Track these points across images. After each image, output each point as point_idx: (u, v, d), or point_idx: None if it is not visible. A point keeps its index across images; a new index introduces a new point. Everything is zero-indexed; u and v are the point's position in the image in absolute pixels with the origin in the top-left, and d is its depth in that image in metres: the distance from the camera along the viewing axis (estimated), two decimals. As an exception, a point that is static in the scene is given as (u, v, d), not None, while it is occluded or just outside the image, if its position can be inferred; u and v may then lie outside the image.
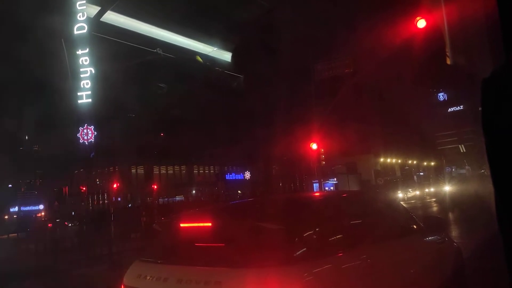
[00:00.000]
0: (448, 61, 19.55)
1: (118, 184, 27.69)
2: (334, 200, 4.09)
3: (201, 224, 3.40)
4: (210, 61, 46.21)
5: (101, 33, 36.59)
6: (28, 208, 35.87)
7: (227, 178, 49.77)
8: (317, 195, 6.61)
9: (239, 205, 4.49)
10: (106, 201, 35.40)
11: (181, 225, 3.58)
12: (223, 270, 2.71)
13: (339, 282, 2.68)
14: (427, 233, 4.04)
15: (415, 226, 4.06)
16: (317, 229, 3.01)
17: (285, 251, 2.66)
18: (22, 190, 45.32)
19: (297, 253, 2.69)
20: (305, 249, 2.74)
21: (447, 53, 19.01)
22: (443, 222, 4.33)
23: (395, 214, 4.19)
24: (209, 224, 3.29)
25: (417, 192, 41.35)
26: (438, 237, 4.19)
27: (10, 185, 45.14)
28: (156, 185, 35.94)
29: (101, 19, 38.14)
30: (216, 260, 2.81)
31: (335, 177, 42.68)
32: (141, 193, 38.83)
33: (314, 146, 19.84)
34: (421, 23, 12.88)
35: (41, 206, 34.69)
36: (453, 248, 4.44)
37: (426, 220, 4.42)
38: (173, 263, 3.12)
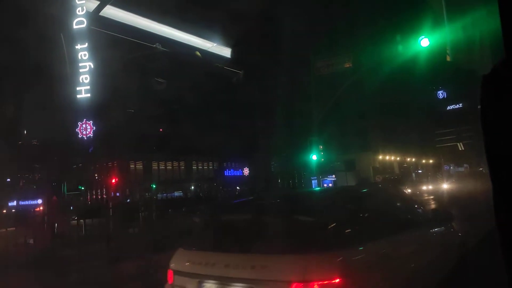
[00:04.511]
0: (448, 58, 19.53)
1: (117, 179, 27.67)
2: (359, 195, 4.53)
3: (243, 216, 3.92)
4: (210, 57, 46.10)
5: (100, 27, 36.44)
6: (26, 202, 35.87)
7: (226, 174, 49.80)
8: (342, 190, 7.26)
9: (276, 198, 4.95)
10: (105, 196, 35.42)
11: (223, 217, 4.14)
12: (268, 256, 3.03)
13: (370, 266, 3.03)
14: (438, 224, 4.51)
15: (428, 218, 4.52)
16: (348, 220, 3.39)
17: (322, 240, 3.04)
18: (21, 184, 45.26)
19: (332, 241, 3.05)
20: (339, 238, 3.11)
21: (447, 51, 19.01)
22: (451, 215, 4.72)
23: (411, 208, 4.68)
24: (251, 216, 3.80)
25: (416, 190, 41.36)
26: (447, 228, 4.67)
27: (8, 180, 45.11)
28: (155, 181, 35.98)
29: (100, 14, 37.96)
30: (260, 248, 3.13)
31: (334, 174, 42.70)
32: (139, 189, 38.85)
33: (315, 155, 19.94)
34: (425, 42, 12.96)
35: (40, 201, 34.68)
36: (458, 238, 4.93)
37: (437, 212, 5.07)
38: (219, 251, 3.44)
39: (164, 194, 38.62)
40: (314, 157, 20.92)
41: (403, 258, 3.42)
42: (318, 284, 2.66)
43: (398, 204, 4.60)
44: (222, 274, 3.12)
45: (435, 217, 4.55)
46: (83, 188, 35.66)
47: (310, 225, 3.27)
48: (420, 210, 4.72)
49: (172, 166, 46.66)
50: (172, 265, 3.60)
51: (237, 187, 45.68)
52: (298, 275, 2.73)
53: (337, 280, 2.67)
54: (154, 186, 36.09)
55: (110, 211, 12.48)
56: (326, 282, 2.67)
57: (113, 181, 17.94)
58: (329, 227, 3.23)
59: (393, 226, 3.67)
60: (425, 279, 3.49)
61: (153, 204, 19.62)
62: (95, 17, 37.16)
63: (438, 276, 3.85)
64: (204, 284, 3.24)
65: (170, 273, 3.58)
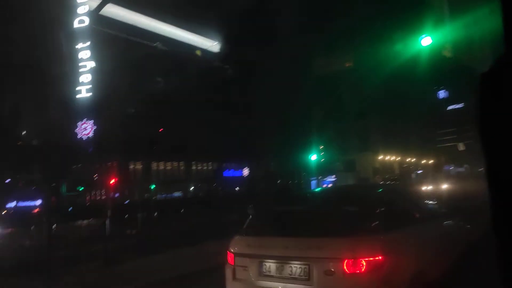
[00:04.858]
0: (447, 54, 19.43)
1: (116, 180, 27.51)
2: (392, 190, 5.85)
3: (297, 207, 4.78)
4: (210, 55, 46.02)
5: (101, 26, 36.37)
6: (25, 203, 35.74)
7: (225, 174, 49.70)
8: (378, 186, 8.85)
9: (323, 191, 6.43)
10: (103, 197, 35.30)
11: (279, 208, 5.00)
12: (322, 239, 3.69)
13: (404, 247, 3.78)
14: (450, 216, 5.32)
15: (442, 212, 5.43)
16: (385, 210, 4.13)
17: (366, 226, 3.79)
18: (20, 185, 45.13)
19: (375, 227, 3.81)
20: (380, 224, 3.86)
21: (448, 49, 18.92)
22: (461, 209, 5.69)
23: (429, 203, 5.75)
24: (304, 207, 4.75)
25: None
26: (456, 220, 5.37)
27: (7, 180, 44.98)
28: (154, 182, 35.85)
29: (100, 12, 37.91)
30: (315, 232, 3.83)
31: (334, 175, 42.65)
32: (138, 189, 38.75)
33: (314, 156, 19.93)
34: (426, 41, 12.92)
35: (38, 202, 34.58)
36: (466, 229, 5.58)
37: (448, 208, 6.13)
38: (277, 235, 4.09)
39: (164, 195, 38.58)
40: (313, 157, 20.83)
41: (428, 242, 4.15)
42: (365, 260, 3.39)
43: (419, 199, 5.59)
44: (281, 254, 3.82)
45: (448, 211, 5.49)
46: (81, 189, 35.56)
47: (356, 214, 4.03)
48: (435, 205, 5.72)
49: (172, 166, 46.55)
50: (232, 249, 4.26)
51: (236, 188, 45.63)
52: (349, 253, 3.45)
53: (379, 257, 3.43)
54: (153, 187, 35.98)
55: (108, 212, 12.41)
56: (371, 258, 3.41)
57: (112, 181, 17.85)
58: (372, 216, 3.98)
59: (419, 217, 4.56)
60: (444, 259, 4.21)
61: (151, 205, 19.58)
62: (96, 15, 37.15)
63: (453, 258, 4.53)
64: (265, 263, 3.91)
65: (230, 256, 4.23)
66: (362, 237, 3.58)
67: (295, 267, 3.69)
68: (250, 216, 5.05)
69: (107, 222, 12.22)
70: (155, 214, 17.03)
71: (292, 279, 3.70)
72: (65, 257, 9.05)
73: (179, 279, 7.53)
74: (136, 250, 9.53)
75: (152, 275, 7.54)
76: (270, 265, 3.86)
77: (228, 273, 4.22)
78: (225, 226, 11.69)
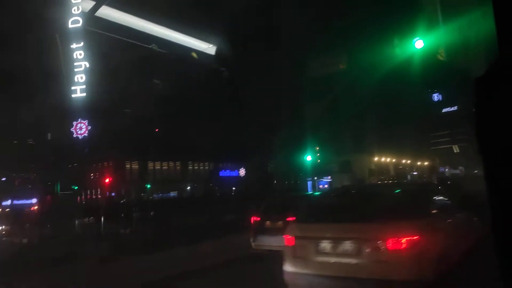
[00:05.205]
0: (441, 57, 19.60)
1: (112, 180, 27.43)
2: (423, 186, 8.55)
3: (346, 199, 6.02)
4: (206, 57, 46.03)
5: (96, 27, 36.26)
6: (20, 202, 35.60)
7: (222, 175, 49.69)
8: (414, 183, 12.75)
9: (368, 186, 9.28)
10: (99, 196, 35.20)
11: (330, 200, 6.50)
12: (370, 224, 4.69)
13: (434, 230, 4.75)
14: (462, 209, 6.13)
15: (455, 205, 6.20)
16: (418, 202, 5.27)
17: (406, 213, 4.78)
18: (16, 184, 44.92)
19: (412, 214, 4.75)
20: (416, 212, 4.86)
21: (441, 52, 19.08)
22: (473, 203, 5.93)
23: (445, 198, 6.63)
24: (352, 199, 5.96)
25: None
26: (467, 213, 6.20)
27: (3, 179, 44.75)
28: (150, 181, 35.76)
29: (95, 14, 37.80)
30: (364, 219, 4.82)
31: (329, 176, 42.75)
32: (134, 189, 38.65)
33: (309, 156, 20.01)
34: (419, 44, 13.05)
35: (34, 201, 34.46)
36: (475, 220, 6.24)
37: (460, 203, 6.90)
38: (330, 222, 5.15)
39: (160, 194, 38.49)
40: (308, 158, 20.89)
41: (448, 229, 5.17)
42: (406, 239, 4.30)
43: (439, 195, 6.55)
44: (335, 236, 4.78)
45: (460, 206, 6.21)
46: (76, 188, 35.36)
47: (397, 204, 5.16)
48: (448, 201, 6.43)
49: (168, 166, 46.49)
50: (293, 233, 5.24)
51: (233, 188, 45.63)
52: (392, 234, 4.36)
53: (416, 237, 4.34)
54: (148, 187, 35.86)
55: (101, 211, 12.39)
56: (409, 238, 4.32)
57: (107, 181, 17.81)
58: (409, 206, 5.07)
59: (440, 209, 5.60)
60: (460, 245, 4.96)
61: (147, 204, 19.54)
62: (90, 17, 37.02)
63: (469, 243, 5.42)
64: (321, 243, 4.85)
65: (291, 239, 5.19)
66: (403, 222, 4.53)
67: (347, 245, 4.65)
68: (300, 208, 6.58)
69: (102, 221, 12.22)
70: (151, 213, 17.01)
71: (344, 255, 4.65)
72: (56, 256, 9.03)
73: (170, 280, 7.60)
74: (129, 249, 9.53)
75: (142, 276, 7.57)
76: (325, 245, 4.85)
77: (289, 252, 5.24)
78: (219, 226, 11.74)
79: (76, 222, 11.63)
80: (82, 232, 11.01)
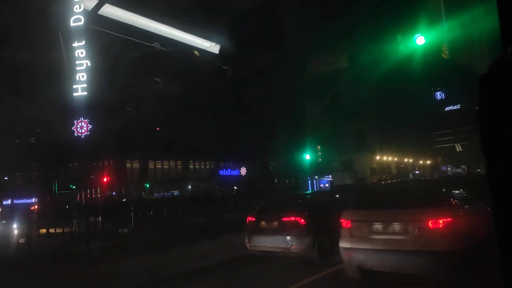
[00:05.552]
0: (444, 56, 19.41)
1: (112, 179, 27.41)
2: (444, 181, 10.04)
3: (387, 190, 8.38)
4: (208, 56, 45.93)
5: (99, 26, 36.19)
6: (21, 201, 35.65)
7: (223, 173, 49.61)
8: (445, 179, 13.11)
9: (409, 181, 15.22)
10: (99, 195, 35.13)
11: (377, 190, 8.89)
12: (414, 209, 6.00)
13: (463, 215, 5.95)
14: (476, 201, 6.79)
15: (470, 197, 7.02)
16: (453, 192, 6.77)
17: (442, 202, 6.11)
18: (18, 183, 45.03)
19: (446, 203, 6.11)
20: (449, 201, 6.25)
21: (444, 50, 18.90)
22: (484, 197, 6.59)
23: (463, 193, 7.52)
24: (396, 190, 8.09)
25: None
26: (480, 204, 6.81)
27: (6, 178, 44.85)
28: (151, 180, 35.70)
29: (98, 12, 37.74)
30: (408, 206, 6.21)
31: (330, 175, 42.62)
32: (135, 188, 38.59)
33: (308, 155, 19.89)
34: (421, 40, 12.91)
35: (32, 200, 34.51)
36: (488, 211, 7.11)
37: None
38: (379, 209, 6.58)
39: (160, 194, 38.39)
40: (307, 156, 20.73)
41: (472, 214, 6.13)
42: (442, 220, 5.59)
43: (459, 189, 7.40)
44: (385, 219, 6.10)
45: (476, 198, 6.84)
46: (74, 187, 35.36)
47: (428, 196, 6.55)
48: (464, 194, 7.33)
49: (169, 165, 46.44)
50: (349, 217, 6.59)
51: (234, 187, 45.52)
52: (432, 217, 5.64)
53: (450, 219, 5.60)
54: (148, 186, 35.79)
55: (99, 210, 12.27)
56: (445, 219, 5.59)
57: (105, 180, 17.76)
58: (444, 197, 6.44)
59: (462, 199, 6.67)
60: (482, 226, 5.29)
61: (148, 203, 19.42)
62: (93, 15, 36.94)
63: (487, 227, 5.80)
64: (374, 224, 6.20)
65: (347, 222, 6.54)
66: (439, 208, 5.85)
67: (396, 226, 5.98)
68: (352, 198, 8.34)
69: (100, 220, 12.09)
70: (151, 212, 16.94)
71: (393, 233, 5.99)
72: (48, 256, 8.93)
73: (159, 283, 7.49)
74: (123, 250, 9.40)
75: (130, 279, 7.46)
76: (378, 226, 6.17)
77: (345, 232, 6.54)
78: (216, 226, 11.62)
79: (74, 221, 11.57)
80: (79, 232, 10.93)
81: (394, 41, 15.83)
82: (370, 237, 6.14)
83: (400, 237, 5.87)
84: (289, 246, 8.16)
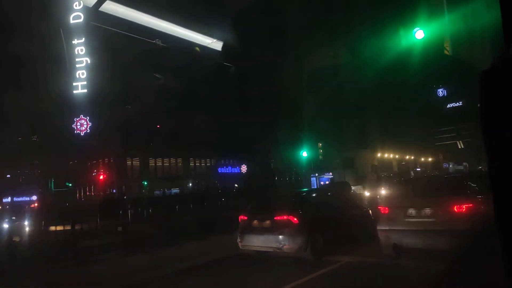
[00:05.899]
0: (446, 52, 19.21)
1: (112, 176, 27.27)
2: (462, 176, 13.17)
3: (423, 182, 10.62)
4: (209, 52, 45.68)
5: (100, 23, 35.96)
6: (21, 199, 35.59)
7: (223, 171, 49.48)
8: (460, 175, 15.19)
9: (435, 177, 16.56)
10: (101, 193, 35.05)
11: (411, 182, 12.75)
12: (439, 198, 7.61)
13: (479, 202, 6.98)
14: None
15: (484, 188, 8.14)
16: (465, 184, 8.40)
17: (465, 192, 7.68)
18: (20, 180, 45.00)
19: (467, 193, 7.64)
20: (467, 192, 7.75)
21: (446, 46, 18.70)
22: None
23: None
24: (428, 182, 10.29)
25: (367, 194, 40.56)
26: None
27: (8, 176, 44.80)
28: (152, 178, 35.60)
29: (100, 9, 37.50)
30: (433, 195, 7.89)
31: (331, 172, 42.38)
32: (133, 186, 38.50)
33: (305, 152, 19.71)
34: (420, 34, 12.73)
35: (34, 197, 34.43)
36: None
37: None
38: (413, 196, 8.19)
39: (160, 191, 38.33)
40: (304, 153, 20.54)
41: (485, 201, 6.84)
42: (465, 206, 7.00)
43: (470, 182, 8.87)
44: (417, 205, 7.53)
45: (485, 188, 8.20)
46: (70, 185, 35.22)
47: (458, 186, 8.09)
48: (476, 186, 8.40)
49: (170, 163, 46.32)
50: (387, 204, 8.44)
51: (235, 185, 45.41)
52: (457, 203, 7.03)
53: (471, 205, 6.94)
54: (145, 183, 35.60)
55: (96, 208, 12.18)
56: (467, 205, 6.98)
57: (101, 178, 17.65)
58: (465, 187, 7.89)
59: (477, 191, 7.71)
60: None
61: (147, 201, 19.33)
62: (94, 12, 36.68)
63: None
64: (408, 209, 7.64)
65: (385, 209, 8.20)
66: (462, 196, 7.22)
67: (427, 211, 7.47)
68: (391, 189, 10.76)
69: (98, 220, 11.99)
70: (150, 210, 16.81)
71: (425, 216, 7.46)
72: (38, 256, 8.81)
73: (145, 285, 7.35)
74: (113, 249, 9.25)
75: (118, 279, 7.33)
76: (412, 211, 7.67)
77: (384, 216, 8.12)
78: (212, 224, 11.47)
79: (70, 220, 11.51)
80: (73, 232, 10.82)
81: (396, 35, 15.62)
82: (405, 220, 7.67)
83: (431, 220, 7.33)
84: (281, 245, 7.98)
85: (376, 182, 31.39)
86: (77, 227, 11.02)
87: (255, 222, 8.67)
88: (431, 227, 7.16)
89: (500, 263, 1.21)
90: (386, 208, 8.12)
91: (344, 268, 7.59)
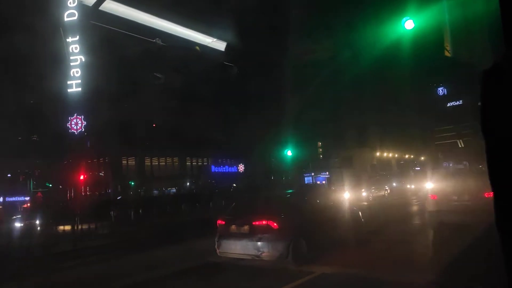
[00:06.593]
0: (447, 54, 18.77)
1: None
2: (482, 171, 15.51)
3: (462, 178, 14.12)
4: (209, 51, 45.16)
5: (100, 22, 35.50)
6: (14, 198, 35.27)
7: (221, 170, 49.12)
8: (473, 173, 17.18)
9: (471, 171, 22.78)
10: (96, 193, 34.68)
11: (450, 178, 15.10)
12: (475, 186, 11.40)
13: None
14: None
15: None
16: (479, 184, 11.23)
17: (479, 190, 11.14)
18: (21, 179, 44.64)
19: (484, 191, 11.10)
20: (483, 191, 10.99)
21: (447, 46, 18.25)
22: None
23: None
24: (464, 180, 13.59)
25: (413, 186, 40.69)
26: None
27: (9, 175, 44.39)
28: (146, 177, 35.22)
29: (100, 8, 37.06)
30: (470, 186, 11.90)
31: (328, 171, 41.99)
32: (129, 185, 38.09)
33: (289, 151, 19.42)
34: (409, 24, 12.33)
35: (27, 197, 34.14)
36: None
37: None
38: (454, 189, 12.16)
39: (156, 191, 37.94)
40: (289, 152, 20.08)
41: None
42: (486, 194, 10.04)
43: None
44: (459, 194, 11.66)
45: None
46: (50, 185, 34.74)
47: (482, 179, 10.39)
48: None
49: (166, 162, 45.90)
50: (434, 193, 12.52)
51: (234, 184, 45.05)
52: (487, 189, 5.92)
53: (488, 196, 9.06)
54: (132, 184, 35.13)
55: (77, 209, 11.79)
56: (487, 195, 9.93)
57: (81, 178, 17.26)
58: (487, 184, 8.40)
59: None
60: None
61: (138, 201, 18.91)
62: (94, 11, 36.19)
63: None
64: (452, 197, 11.64)
65: (434, 196, 12.31)
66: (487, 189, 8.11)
67: (466, 197, 10.99)
68: (433, 181, 14.27)
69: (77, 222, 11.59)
70: (140, 211, 16.37)
71: (463, 201, 10.98)
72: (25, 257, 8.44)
73: None
74: (84, 256, 8.82)
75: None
76: (454, 197, 11.14)
77: (432, 201, 11.89)
78: (205, 224, 11.03)
79: (51, 220, 11.07)
80: (54, 233, 10.40)
81: (395, 31, 15.15)
82: (449, 204, 11.05)
83: (468, 203, 10.42)
84: (259, 253, 7.40)
85: (377, 182, 31.32)
86: (60, 228, 10.63)
87: (233, 227, 8.08)
88: (468, 208, 10.20)
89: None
90: (435, 196, 11.82)
91: (322, 278, 6.95)
